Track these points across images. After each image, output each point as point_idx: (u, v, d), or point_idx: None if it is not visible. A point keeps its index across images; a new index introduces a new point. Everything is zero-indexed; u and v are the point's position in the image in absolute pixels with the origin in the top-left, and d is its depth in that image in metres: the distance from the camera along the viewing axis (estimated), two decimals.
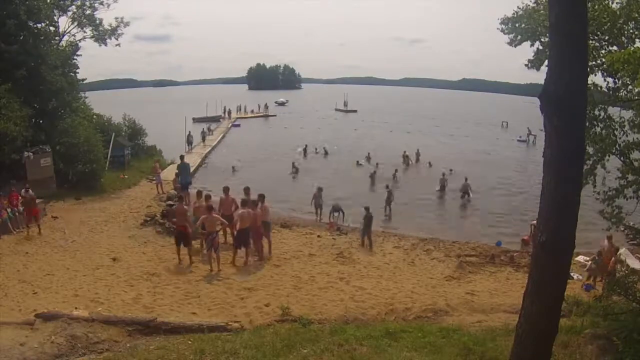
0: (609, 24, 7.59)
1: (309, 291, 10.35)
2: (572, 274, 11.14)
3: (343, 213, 16.73)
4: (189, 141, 31.74)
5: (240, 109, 63.83)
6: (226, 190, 13.72)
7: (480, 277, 11.91)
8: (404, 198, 21.20)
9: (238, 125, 51.05)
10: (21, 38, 17.97)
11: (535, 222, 12.41)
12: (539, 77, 9.94)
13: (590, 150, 7.44)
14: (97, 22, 24.79)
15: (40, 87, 18.41)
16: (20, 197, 14.41)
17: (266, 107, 66.89)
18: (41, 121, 19.11)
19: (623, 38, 7.87)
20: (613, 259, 10.91)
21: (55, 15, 21.97)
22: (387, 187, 19.62)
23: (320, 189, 17.99)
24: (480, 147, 38.46)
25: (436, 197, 22.36)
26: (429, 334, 7.13)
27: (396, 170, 25.36)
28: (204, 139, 36.05)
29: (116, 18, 25.91)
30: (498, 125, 55.08)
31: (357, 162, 29.60)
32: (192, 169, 22.06)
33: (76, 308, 8.53)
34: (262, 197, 12.82)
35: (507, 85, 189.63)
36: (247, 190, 13.51)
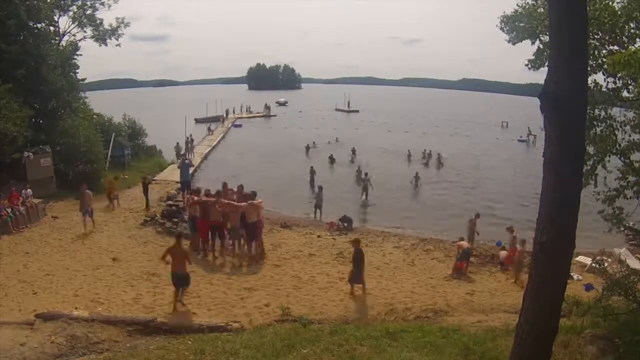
0: (609, 23, 7.57)
1: (309, 291, 10.36)
2: (572, 274, 11.12)
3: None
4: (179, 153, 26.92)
5: (228, 113, 57.67)
6: (224, 185, 13.90)
7: (480, 277, 11.90)
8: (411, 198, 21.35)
9: (239, 126, 50.94)
10: (21, 38, 17.97)
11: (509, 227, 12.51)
12: (539, 77, 9.92)
13: (590, 150, 7.42)
14: (98, 22, 24.85)
15: (40, 87, 18.41)
16: (20, 197, 14.41)
17: (267, 107, 66.77)
18: (41, 121, 19.11)
19: (624, 38, 7.84)
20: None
21: (55, 15, 22.02)
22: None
23: (320, 188, 18.02)
24: (480, 147, 38.40)
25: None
26: (429, 334, 7.14)
27: (417, 173, 24.70)
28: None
29: (117, 18, 25.98)
30: (498, 125, 55.00)
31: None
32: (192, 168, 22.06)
33: (76, 308, 8.55)
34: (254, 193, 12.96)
35: (507, 85, 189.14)
36: (240, 187, 13.54)
